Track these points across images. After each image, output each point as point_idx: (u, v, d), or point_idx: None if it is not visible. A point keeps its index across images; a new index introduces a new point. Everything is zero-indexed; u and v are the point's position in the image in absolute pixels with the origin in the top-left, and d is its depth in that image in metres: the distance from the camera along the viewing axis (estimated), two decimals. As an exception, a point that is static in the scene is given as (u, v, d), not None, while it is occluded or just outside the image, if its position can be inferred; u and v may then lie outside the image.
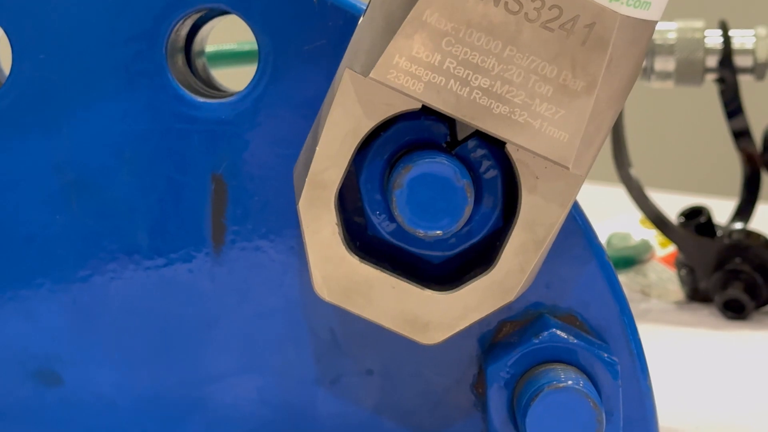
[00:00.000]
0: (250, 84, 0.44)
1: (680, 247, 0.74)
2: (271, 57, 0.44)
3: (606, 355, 0.44)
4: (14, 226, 0.46)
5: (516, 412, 0.43)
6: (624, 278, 0.82)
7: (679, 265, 0.76)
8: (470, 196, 0.41)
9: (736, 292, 0.72)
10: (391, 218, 0.43)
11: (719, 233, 0.75)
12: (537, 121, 0.39)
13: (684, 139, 1.59)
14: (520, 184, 0.40)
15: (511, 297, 0.41)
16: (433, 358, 0.46)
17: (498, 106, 0.38)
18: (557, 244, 0.44)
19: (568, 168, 0.39)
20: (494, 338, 0.46)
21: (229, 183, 0.45)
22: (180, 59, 0.46)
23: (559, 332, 0.45)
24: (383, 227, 0.44)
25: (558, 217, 0.40)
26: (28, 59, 0.44)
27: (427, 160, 0.42)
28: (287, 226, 0.46)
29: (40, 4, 0.44)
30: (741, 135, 0.76)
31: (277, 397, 0.46)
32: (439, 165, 0.42)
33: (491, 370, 0.44)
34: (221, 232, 0.46)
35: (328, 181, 0.39)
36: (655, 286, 0.79)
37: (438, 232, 0.42)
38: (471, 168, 0.43)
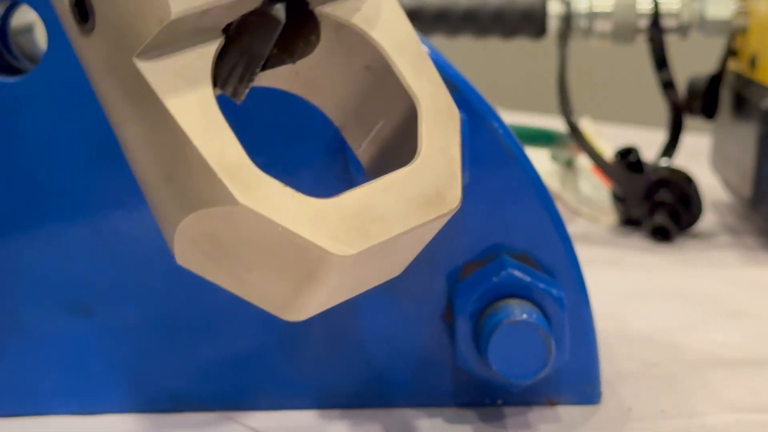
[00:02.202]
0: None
1: (615, 181, 0.77)
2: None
3: (554, 290, 0.47)
4: (51, 183, 0.47)
5: (479, 341, 0.46)
6: (557, 187, 0.83)
7: (613, 196, 0.79)
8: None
9: (662, 219, 0.75)
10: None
11: (647, 169, 0.77)
12: None
13: (622, 78, 1.62)
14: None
15: None
16: (408, 291, 0.48)
17: None
18: (513, 194, 0.47)
19: None
20: (460, 277, 0.49)
21: None
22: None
23: (515, 272, 0.47)
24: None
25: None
26: (60, 39, 0.45)
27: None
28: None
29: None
30: (667, 86, 0.79)
31: (277, 322, 0.47)
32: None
33: (458, 304, 0.47)
34: None
35: (237, 160, 0.32)
36: (587, 204, 0.81)
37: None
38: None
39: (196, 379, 0.49)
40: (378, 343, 0.49)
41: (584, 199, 0.82)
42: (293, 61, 0.36)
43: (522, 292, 0.47)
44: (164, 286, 0.48)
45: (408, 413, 0.48)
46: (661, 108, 0.80)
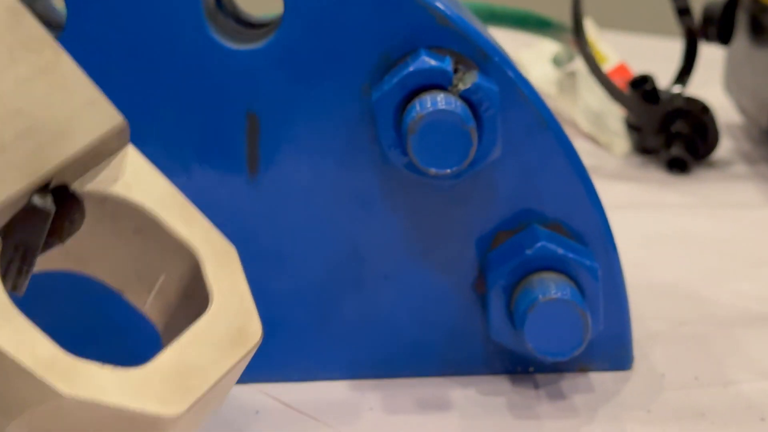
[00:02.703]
0: (275, 34, 0.45)
1: (630, 111, 0.75)
2: (295, 9, 0.45)
3: (588, 262, 0.46)
4: None
5: (514, 317, 0.45)
6: (565, 104, 0.80)
7: (628, 125, 0.77)
8: (474, 138, 0.42)
9: (678, 151, 0.74)
10: (404, 153, 0.43)
11: (663, 97, 0.75)
12: None
13: None
14: None
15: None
16: (439, 262, 0.48)
17: None
18: (545, 163, 0.46)
19: None
20: (491, 246, 0.48)
21: (262, 119, 0.46)
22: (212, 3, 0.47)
23: (548, 244, 0.46)
24: (397, 160, 0.44)
25: None
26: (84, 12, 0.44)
27: (437, 108, 0.42)
28: (315, 151, 0.47)
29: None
30: (683, 12, 0.77)
31: (308, 297, 0.47)
32: (448, 113, 0.42)
33: (490, 277, 0.46)
34: (255, 161, 0.46)
35: (50, 354, 0.32)
36: (597, 124, 0.79)
37: (447, 171, 0.43)
38: (473, 108, 0.44)
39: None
40: (409, 313, 0.48)
41: (593, 116, 0.80)
42: (62, 242, 0.37)
43: (556, 265, 0.46)
44: None
45: (440, 382, 0.48)
46: (666, 14, 0.77)
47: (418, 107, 0.43)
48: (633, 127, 0.78)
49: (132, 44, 0.45)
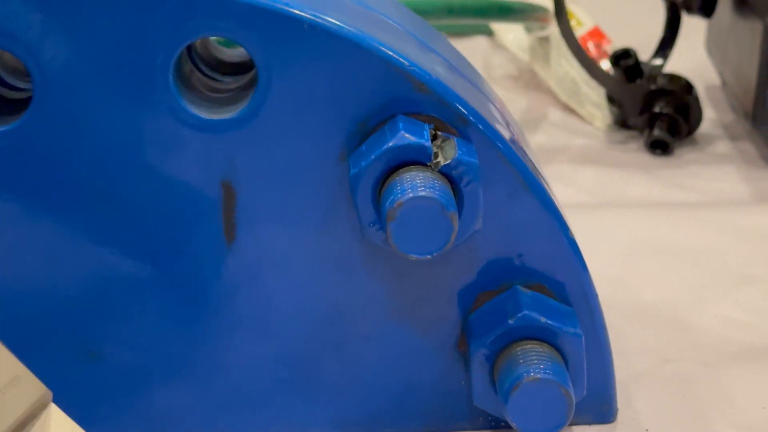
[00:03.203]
0: (249, 103, 0.44)
1: (611, 92, 0.74)
2: (269, 79, 0.43)
3: (571, 329, 0.45)
4: (49, 236, 0.45)
5: (497, 390, 0.45)
6: (541, 72, 0.79)
7: (608, 98, 0.76)
8: (455, 223, 0.41)
9: (660, 133, 0.72)
10: (383, 230, 0.42)
11: (645, 70, 0.74)
12: None
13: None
14: None
15: None
16: (421, 322, 0.47)
17: None
18: (527, 225, 0.45)
19: None
20: (473, 307, 0.47)
21: (237, 188, 0.45)
22: (187, 67, 0.45)
23: (531, 313, 0.45)
24: (376, 237, 0.44)
25: None
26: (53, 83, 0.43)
27: (417, 195, 0.42)
28: (292, 218, 0.46)
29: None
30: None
31: (289, 359, 0.47)
32: (428, 200, 0.41)
33: (473, 345, 0.46)
34: (232, 229, 0.45)
35: None
36: (574, 94, 0.77)
37: (428, 257, 0.42)
38: (453, 183, 0.43)
39: (208, 417, 0.48)
40: (392, 372, 0.47)
41: (570, 86, 0.78)
42: None
43: (539, 334, 0.45)
44: (173, 326, 0.47)
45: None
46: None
47: (398, 191, 0.42)
48: (613, 100, 0.75)
49: (101, 117, 0.44)
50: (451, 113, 0.44)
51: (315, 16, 0.43)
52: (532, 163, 0.48)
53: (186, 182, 0.45)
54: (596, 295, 0.47)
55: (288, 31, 0.43)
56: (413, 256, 0.42)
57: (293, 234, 0.46)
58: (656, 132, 0.72)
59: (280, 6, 0.43)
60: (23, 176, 0.44)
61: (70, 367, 0.47)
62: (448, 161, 0.43)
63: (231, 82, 0.47)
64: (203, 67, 0.48)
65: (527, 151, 0.49)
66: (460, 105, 0.45)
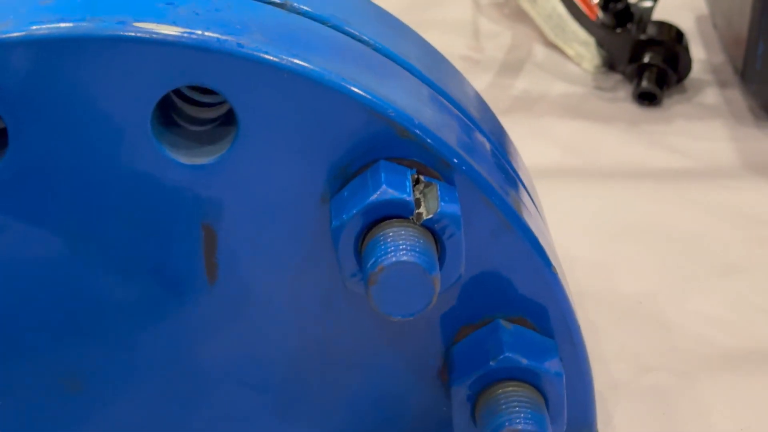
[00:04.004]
0: (229, 148, 0.43)
1: (599, 42, 0.72)
2: (248, 125, 0.42)
3: (553, 367, 0.45)
4: (28, 282, 0.45)
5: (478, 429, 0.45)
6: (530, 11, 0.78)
7: (597, 43, 0.74)
8: (437, 286, 0.40)
9: (649, 85, 0.71)
10: (365, 281, 0.42)
11: (635, 13, 0.72)
12: None
13: None
14: None
15: None
16: (403, 353, 0.47)
17: None
18: (509, 263, 0.45)
19: None
20: (456, 338, 0.47)
21: (218, 230, 0.44)
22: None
23: (512, 355, 0.45)
24: (358, 289, 0.43)
25: None
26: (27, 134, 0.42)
27: (399, 260, 0.41)
28: (273, 259, 0.45)
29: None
30: None
31: (271, 389, 0.47)
32: (410, 265, 0.40)
33: (455, 384, 0.46)
34: (214, 270, 0.45)
35: None
36: (561, 32, 0.75)
37: (409, 318, 0.42)
38: (435, 235, 0.43)
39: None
40: (374, 400, 0.48)
41: (558, 23, 0.76)
42: None
43: (520, 375, 0.45)
44: (153, 356, 0.47)
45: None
46: None
47: (380, 251, 0.42)
48: (602, 45, 0.74)
49: (80, 164, 0.43)
50: (433, 158, 0.43)
51: (292, 63, 0.42)
52: (521, 193, 0.48)
53: (168, 225, 0.45)
54: (578, 327, 0.47)
55: (265, 78, 0.42)
56: (394, 318, 0.41)
57: (274, 275, 0.45)
58: (644, 83, 0.71)
59: (257, 54, 0.42)
60: (8, 209, 0.44)
61: (50, 397, 0.47)
62: (430, 215, 0.42)
63: (211, 109, 0.45)
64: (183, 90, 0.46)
65: (523, 179, 0.49)
66: (443, 150, 0.44)
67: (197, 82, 0.42)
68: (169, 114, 0.44)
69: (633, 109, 0.70)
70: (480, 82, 0.69)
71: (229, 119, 0.43)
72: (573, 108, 0.69)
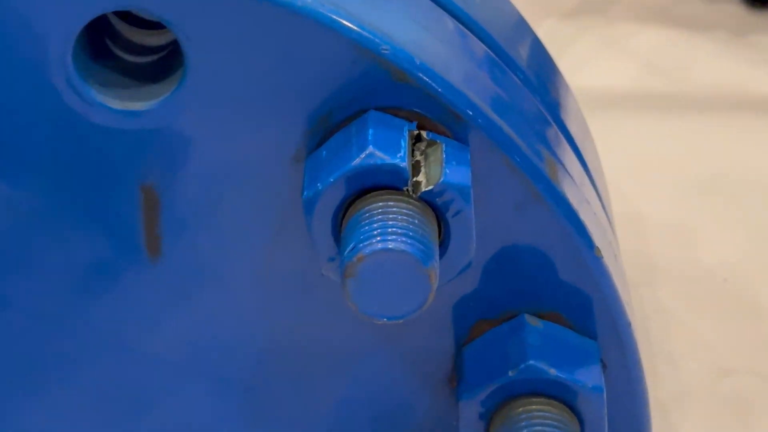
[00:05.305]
0: (175, 89, 0.42)
1: None
2: (198, 60, 0.41)
3: (591, 383, 0.44)
4: None
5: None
6: None
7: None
8: (434, 281, 0.40)
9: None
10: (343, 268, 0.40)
11: None
12: None
13: None
14: None
15: None
16: (402, 354, 0.47)
17: None
18: (538, 241, 0.45)
19: None
20: (470, 336, 0.46)
21: (162, 193, 0.44)
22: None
23: (537, 364, 0.44)
24: (333, 274, 0.42)
25: None
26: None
27: (385, 247, 0.40)
28: (234, 231, 0.45)
29: None
30: None
31: (235, 390, 0.47)
32: (399, 254, 0.39)
33: (463, 405, 0.45)
34: (156, 242, 0.44)
35: None
36: None
37: (398, 321, 0.41)
38: (437, 211, 0.41)
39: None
40: (366, 410, 0.48)
41: None
42: None
43: (546, 389, 0.44)
44: (87, 342, 0.47)
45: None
46: None
47: (360, 234, 0.40)
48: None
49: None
50: (440, 108, 0.42)
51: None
52: (563, 152, 0.47)
53: (98, 187, 0.44)
54: (629, 324, 0.45)
55: (219, 1, 0.40)
56: (379, 320, 0.40)
57: (235, 251, 0.44)
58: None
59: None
60: None
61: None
62: (430, 186, 0.41)
63: (157, 33, 0.45)
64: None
65: (572, 132, 0.49)
66: (453, 97, 0.42)
67: (131, 6, 0.41)
68: (101, 42, 0.43)
69: (740, 13, 0.67)
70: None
71: (178, 49, 0.42)
72: (659, 11, 0.66)
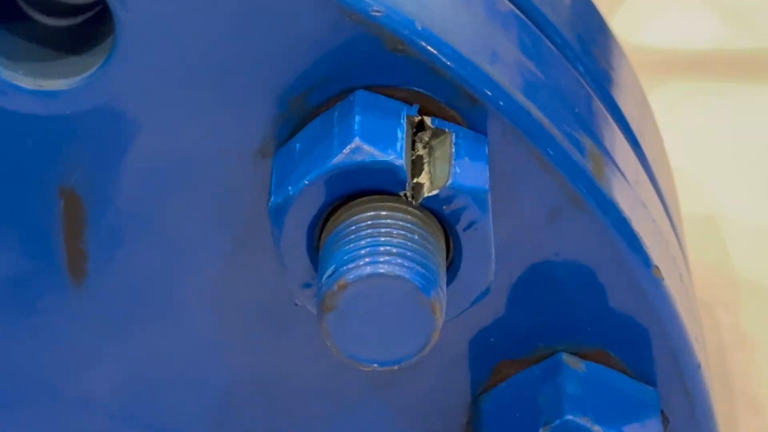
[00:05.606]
0: (101, 66, 0.38)
1: None
2: (132, 29, 0.37)
3: (641, 434, 0.42)
4: None
5: None
6: None
7: None
8: (439, 315, 0.36)
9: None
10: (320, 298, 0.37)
11: None
12: None
13: None
14: None
15: None
16: (403, 402, 0.43)
17: None
18: (577, 256, 0.41)
19: None
20: (491, 381, 0.43)
21: (86, 198, 0.40)
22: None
23: (577, 420, 0.40)
24: (308, 304, 0.39)
25: None
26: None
27: (376, 272, 0.36)
28: (181, 246, 0.41)
29: None
30: None
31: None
32: (393, 280, 0.36)
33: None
34: (80, 260, 0.41)
35: None
36: None
37: (393, 367, 0.38)
38: (445, 223, 0.38)
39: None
40: None
41: None
42: None
43: (589, 451, 0.41)
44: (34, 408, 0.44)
45: None
46: None
47: (342, 255, 0.36)
48: None
49: None
50: (447, 86, 0.38)
51: None
52: (615, 144, 0.43)
53: (3, 189, 0.40)
54: (698, 366, 0.42)
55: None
56: (366, 366, 0.37)
57: (183, 272, 0.41)
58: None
59: None
60: None
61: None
62: (435, 190, 0.37)
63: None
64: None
65: (628, 118, 0.46)
66: (464, 71, 0.38)
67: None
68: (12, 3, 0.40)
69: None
70: None
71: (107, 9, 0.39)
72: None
